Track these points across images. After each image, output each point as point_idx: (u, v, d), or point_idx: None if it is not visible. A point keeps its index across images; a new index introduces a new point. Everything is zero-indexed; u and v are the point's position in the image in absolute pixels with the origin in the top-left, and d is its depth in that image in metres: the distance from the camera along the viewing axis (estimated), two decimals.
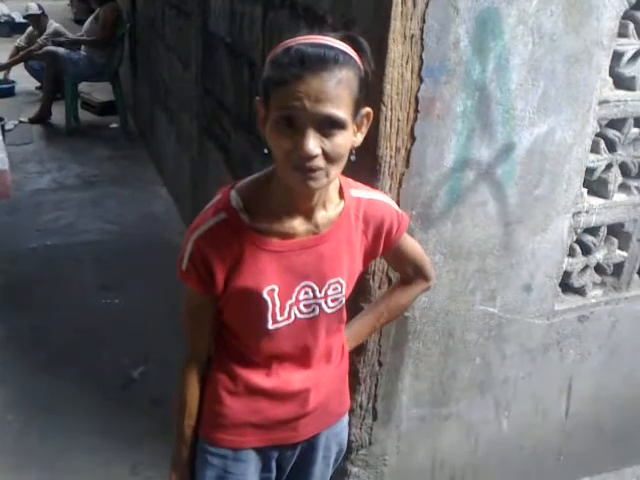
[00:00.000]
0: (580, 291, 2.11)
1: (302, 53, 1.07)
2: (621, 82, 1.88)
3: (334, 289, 1.30)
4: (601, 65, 1.75)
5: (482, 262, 1.84)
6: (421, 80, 1.58)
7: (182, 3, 4.01)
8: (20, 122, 6.22)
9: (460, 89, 1.62)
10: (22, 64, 7.04)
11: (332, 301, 1.31)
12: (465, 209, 1.76)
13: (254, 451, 1.40)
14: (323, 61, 1.07)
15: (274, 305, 1.25)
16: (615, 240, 2.10)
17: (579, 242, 2.04)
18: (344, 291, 1.33)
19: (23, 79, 7.24)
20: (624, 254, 2.12)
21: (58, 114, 6.34)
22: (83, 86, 6.55)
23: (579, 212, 1.94)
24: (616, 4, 1.69)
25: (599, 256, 2.08)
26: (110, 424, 2.56)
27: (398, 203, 1.68)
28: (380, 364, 1.87)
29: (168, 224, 4.26)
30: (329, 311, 1.32)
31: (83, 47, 6.25)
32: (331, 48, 1.09)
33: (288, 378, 1.35)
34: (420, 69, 1.57)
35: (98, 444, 2.48)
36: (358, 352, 1.83)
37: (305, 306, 1.29)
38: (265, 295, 1.24)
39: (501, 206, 1.79)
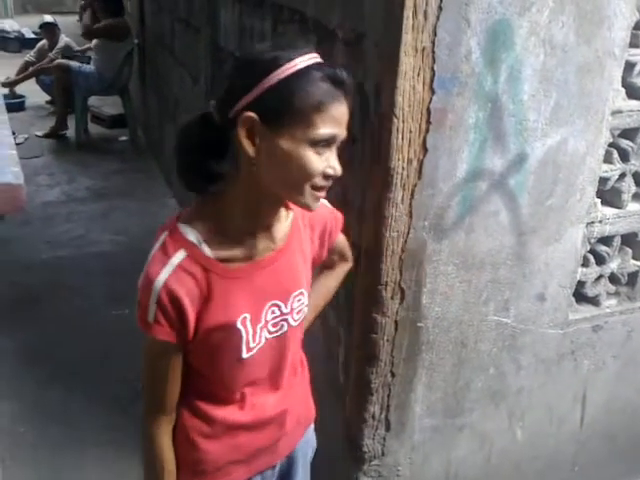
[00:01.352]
0: (594, 301, 2.10)
1: (337, 75, 1.10)
2: (633, 92, 1.88)
3: (298, 300, 1.29)
4: (613, 75, 1.76)
5: (495, 272, 1.84)
6: (433, 92, 1.59)
7: (191, 18, 4.04)
8: (36, 136, 6.27)
9: (472, 100, 1.63)
10: (33, 78, 7.10)
11: (297, 313, 1.30)
12: (478, 219, 1.76)
13: None
14: (351, 86, 1.12)
15: (247, 333, 1.22)
16: (629, 250, 2.09)
17: (593, 252, 2.03)
18: (306, 300, 1.32)
19: (33, 93, 7.29)
20: (638, 264, 2.11)
21: (69, 129, 6.39)
22: (93, 100, 6.60)
23: (593, 222, 1.94)
24: (627, 14, 1.70)
25: (613, 266, 2.08)
26: (122, 435, 2.56)
27: (410, 214, 1.69)
28: (393, 375, 1.86)
29: None
30: (295, 324, 1.31)
31: (93, 62, 6.31)
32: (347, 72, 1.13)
33: (263, 405, 1.33)
34: (432, 81, 1.58)
35: (110, 456, 2.48)
36: (371, 363, 1.84)
37: (273, 325, 1.27)
38: (239, 325, 1.20)
39: (514, 216, 1.79)
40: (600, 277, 2.08)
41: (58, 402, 2.76)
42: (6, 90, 7.28)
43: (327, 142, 1.10)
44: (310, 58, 1.11)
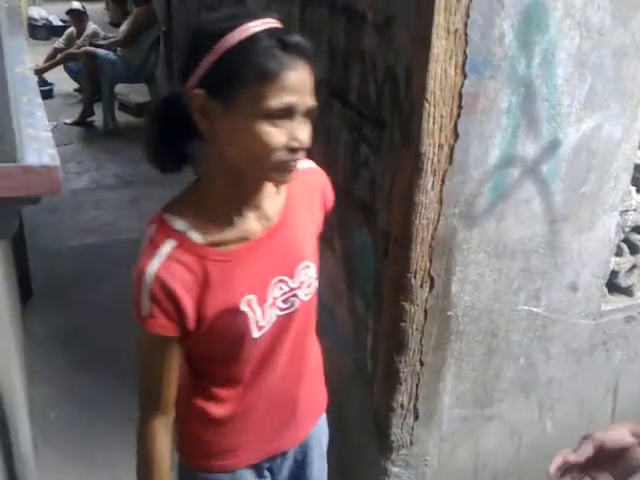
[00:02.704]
0: (627, 291, 2.07)
1: (286, 40, 1.04)
2: None
3: (305, 273, 1.25)
4: None
5: (527, 261, 1.81)
6: (465, 76, 1.56)
7: (217, 5, 4.03)
8: (64, 124, 6.32)
9: (505, 84, 1.59)
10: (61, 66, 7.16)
11: (307, 287, 1.26)
12: (509, 207, 1.73)
13: (249, 467, 1.36)
14: (308, 49, 1.06)
15: (255, 313, 1.19)
16: None
17: (626, 241, 2.00)
18: (314, 273, 1.28)
19: (62, 81, 7.34)
20: None
21: (96, 115, 6.45)
22: (120, 87, 6.64)
23: (627, 210, 1.90)
24: None
25: None
26: None
27: (441, 201, 1.66)
28: (422, 364, 1.85)
29: None
30: (306, 298, 1.27)
31: (120, 49, 6.35)
32: (305, 37, 1.07)
33: (274, 386, 1.30)
34: (464, 64, 1.55)
35: None
36: (399, 351, 1.82)
37: (283, 301, 1.23)
38: (243, 307, 1.17)
39: (546, 204, 1.75)
40: (634, 267, 2.04)
41: (88, 387, 2.79)
42: (35, 77, 7.33)
43: (285, 113, 1.04)
44: (263, 23, 1.05)
